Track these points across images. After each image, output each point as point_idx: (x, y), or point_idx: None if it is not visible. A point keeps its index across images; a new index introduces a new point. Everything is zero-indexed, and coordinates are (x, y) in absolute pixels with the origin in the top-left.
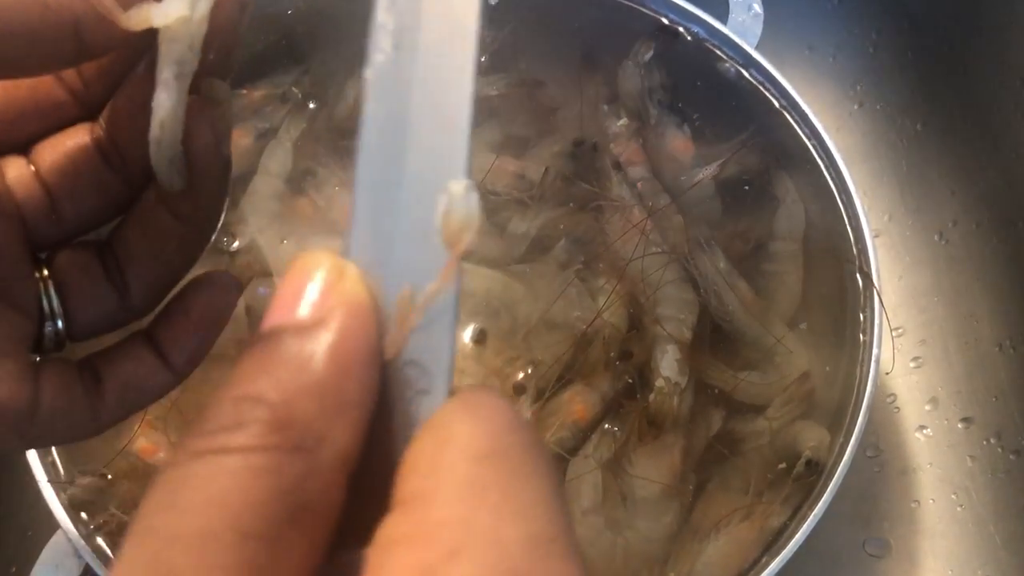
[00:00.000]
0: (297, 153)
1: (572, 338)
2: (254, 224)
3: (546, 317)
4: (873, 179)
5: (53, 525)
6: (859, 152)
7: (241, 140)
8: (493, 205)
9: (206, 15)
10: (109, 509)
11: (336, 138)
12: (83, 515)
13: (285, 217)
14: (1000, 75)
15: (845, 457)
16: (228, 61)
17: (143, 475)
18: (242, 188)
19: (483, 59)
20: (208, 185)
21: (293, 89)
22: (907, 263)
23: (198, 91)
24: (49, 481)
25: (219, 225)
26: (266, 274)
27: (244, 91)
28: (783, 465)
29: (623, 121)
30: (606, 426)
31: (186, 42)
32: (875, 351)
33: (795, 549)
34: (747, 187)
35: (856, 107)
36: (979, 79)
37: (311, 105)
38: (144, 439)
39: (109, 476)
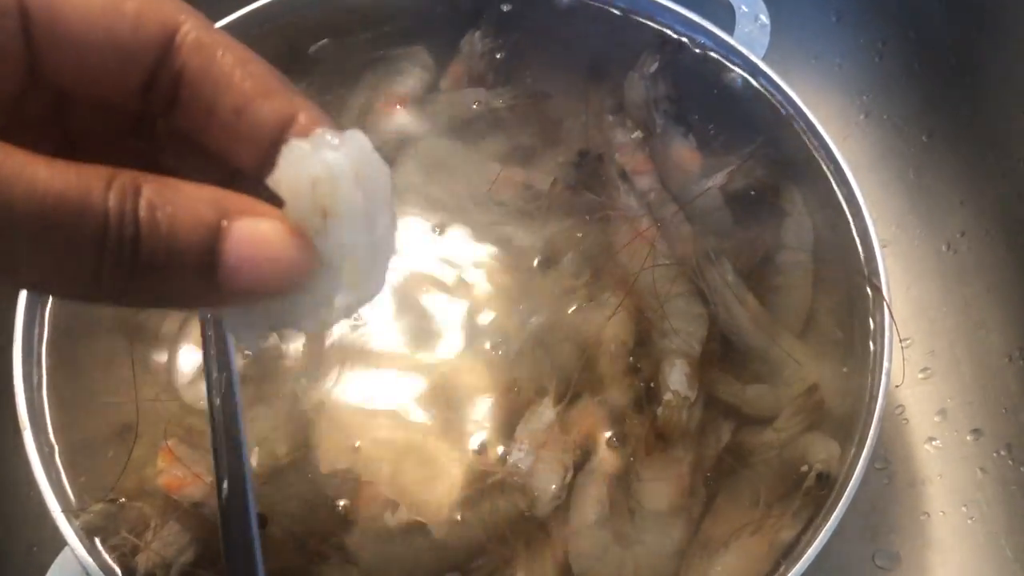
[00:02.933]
0: None
1: (580, 350)
2: None
3: (555, 328)
4: (881, 189)
5: (60, 541)
6: (866, 162)
7: None
8: (499, 216)
9: None
10: (121, 533)
11: None
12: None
13: None
14: (1008, 83)
15: (857, 470)
16: None
17: (152, 495)
18: None
19: (489, 74)
20: None
21: None
22: (915, 273)
23: None
24: (64, 511)
25: None
26: None
27: None
28: (802, 470)
29: (631, 132)
30: (614, 440)
31: None
32: (885, 363)
33: (808, 563)
34: (754, 198)
35: (863, 117)
36: (986, 87)
37: None
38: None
39: (121, 500)
